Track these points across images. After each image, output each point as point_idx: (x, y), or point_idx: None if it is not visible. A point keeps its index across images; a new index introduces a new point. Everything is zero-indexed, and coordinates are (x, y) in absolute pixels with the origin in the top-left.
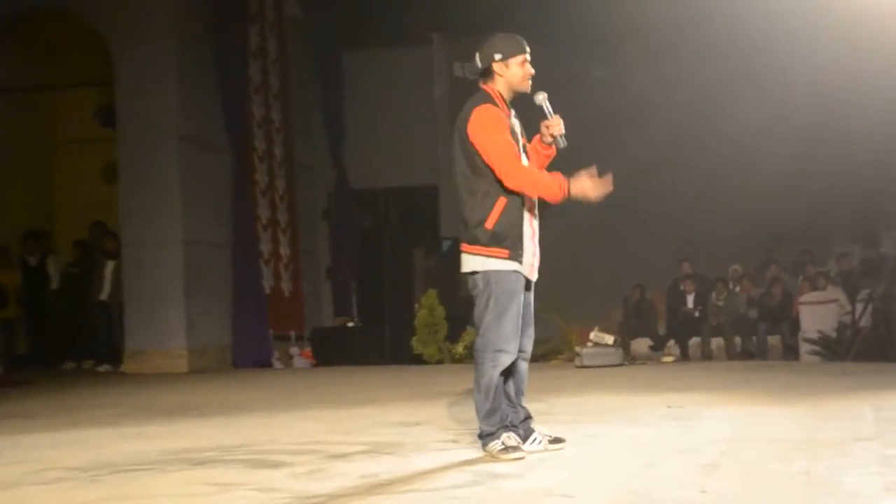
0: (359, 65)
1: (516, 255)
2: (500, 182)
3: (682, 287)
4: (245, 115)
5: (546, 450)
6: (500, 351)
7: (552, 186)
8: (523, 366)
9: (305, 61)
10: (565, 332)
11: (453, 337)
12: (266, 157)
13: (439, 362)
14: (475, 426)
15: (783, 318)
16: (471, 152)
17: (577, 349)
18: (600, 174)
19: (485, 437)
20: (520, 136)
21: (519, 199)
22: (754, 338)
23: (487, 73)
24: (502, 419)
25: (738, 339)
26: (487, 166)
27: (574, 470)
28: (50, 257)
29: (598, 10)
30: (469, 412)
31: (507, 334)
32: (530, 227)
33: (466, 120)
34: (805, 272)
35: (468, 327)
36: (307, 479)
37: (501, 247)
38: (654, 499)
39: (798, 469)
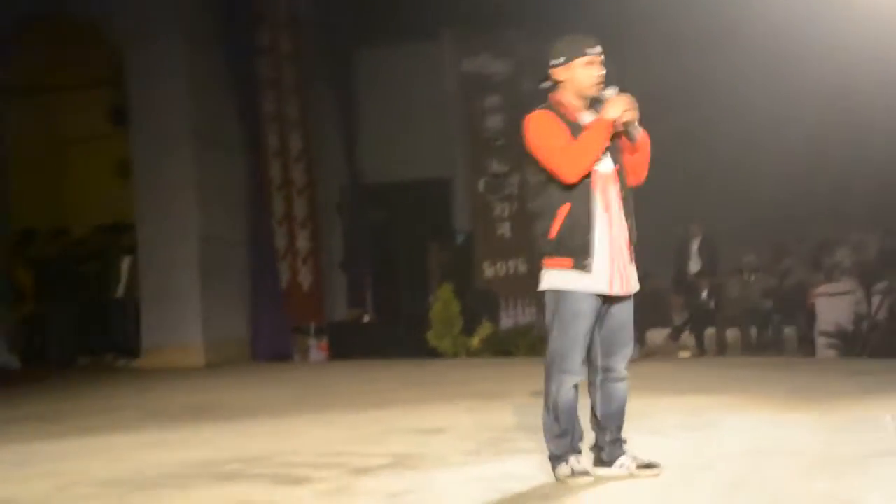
0: (370, 61)
1: (581, 263)
2: (564, 187)
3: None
4: (257, 112)
5: (631, 475)
6: (563, 372)
7: (598, 133)
8: (615, 387)
9: (317, 58)
10: None
11: (468, 331)
12: (281, 153)
13: (455, 356)
14: (495, 435)
15: (798, 310)
16: (534, 162)
17: None
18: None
19: (553, 459)
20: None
21: (586, 202)
22: (770, 329)
23: (552, 81)
24: (573, 442)
25: (753, 331)
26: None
27: (598, 493)
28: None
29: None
30: (489, 418)
31: (570, 354)
32: (607, 232)
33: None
34: (821, 264)
35: (483, 321)
36: (332, 498)
37: (564, 256)
38: None
39: (820, 489)
